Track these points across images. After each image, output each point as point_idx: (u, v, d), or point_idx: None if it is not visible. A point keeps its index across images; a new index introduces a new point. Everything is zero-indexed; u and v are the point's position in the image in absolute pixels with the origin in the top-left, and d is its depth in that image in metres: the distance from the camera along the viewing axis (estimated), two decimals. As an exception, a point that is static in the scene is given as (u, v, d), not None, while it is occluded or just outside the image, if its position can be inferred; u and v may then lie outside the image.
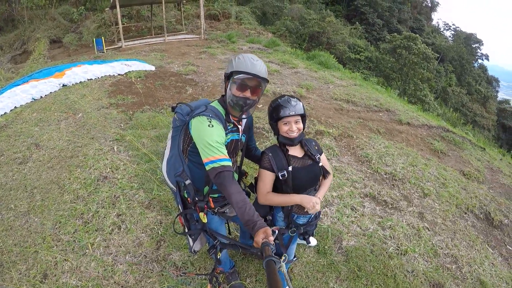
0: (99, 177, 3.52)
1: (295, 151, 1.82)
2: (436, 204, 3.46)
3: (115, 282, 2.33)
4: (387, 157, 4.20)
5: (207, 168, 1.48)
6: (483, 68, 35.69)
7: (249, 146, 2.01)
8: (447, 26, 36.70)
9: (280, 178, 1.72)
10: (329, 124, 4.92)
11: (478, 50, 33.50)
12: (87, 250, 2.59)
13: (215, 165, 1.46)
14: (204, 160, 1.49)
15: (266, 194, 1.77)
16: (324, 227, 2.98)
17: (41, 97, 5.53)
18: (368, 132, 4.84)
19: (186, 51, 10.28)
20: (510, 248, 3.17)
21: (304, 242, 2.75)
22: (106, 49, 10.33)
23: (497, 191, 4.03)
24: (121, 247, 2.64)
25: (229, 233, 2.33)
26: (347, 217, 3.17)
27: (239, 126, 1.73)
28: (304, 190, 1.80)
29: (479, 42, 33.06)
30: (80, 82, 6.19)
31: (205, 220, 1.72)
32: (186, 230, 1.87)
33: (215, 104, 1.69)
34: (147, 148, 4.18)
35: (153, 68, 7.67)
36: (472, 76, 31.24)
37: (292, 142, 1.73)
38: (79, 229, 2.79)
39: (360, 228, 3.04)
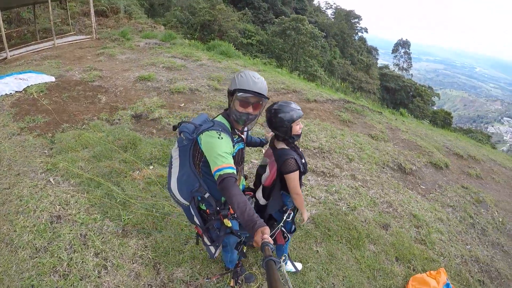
0: (52, 219, 2.97)
1: None
2: (361, 165, 4.32)
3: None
4: (311, 134, 4.84)
5: (215, 176, 1.54)
6: (363, 40, 39.10)
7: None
8: (328, 5, 39.40)
9: (302, 171, 2.00)
10: None
11: (358, 25, 36.11)
12: (83, 303, 2.28)
13: (221, 172, 1.53)
14: (213, 169, 1.55)
15: (299, 188, 2.01)
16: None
17: None
18: (283, 113, 5.37)
19: (82, 55, 8.79)
20: (423, 187, 4.28)
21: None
22: None
23: (400, 146, 5.23)
24: (119, 287, 2.43)
25: None
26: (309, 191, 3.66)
27: (243, 136, 1.86)
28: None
29: (358, 17, 35.51)
30: (6, 94, 4.69)
31: (230, 224, 1.83)
32: (207, 241, 1.91)
33: (221, 119, 1.77)
34: (89, 171, 3.68)
35: (53, 78, 6.34)
36: (354, 48, 34.01)
37: (298, 139, 2.04)
38: (60, 285, 2.39)
39: (315, 198, 3.58)
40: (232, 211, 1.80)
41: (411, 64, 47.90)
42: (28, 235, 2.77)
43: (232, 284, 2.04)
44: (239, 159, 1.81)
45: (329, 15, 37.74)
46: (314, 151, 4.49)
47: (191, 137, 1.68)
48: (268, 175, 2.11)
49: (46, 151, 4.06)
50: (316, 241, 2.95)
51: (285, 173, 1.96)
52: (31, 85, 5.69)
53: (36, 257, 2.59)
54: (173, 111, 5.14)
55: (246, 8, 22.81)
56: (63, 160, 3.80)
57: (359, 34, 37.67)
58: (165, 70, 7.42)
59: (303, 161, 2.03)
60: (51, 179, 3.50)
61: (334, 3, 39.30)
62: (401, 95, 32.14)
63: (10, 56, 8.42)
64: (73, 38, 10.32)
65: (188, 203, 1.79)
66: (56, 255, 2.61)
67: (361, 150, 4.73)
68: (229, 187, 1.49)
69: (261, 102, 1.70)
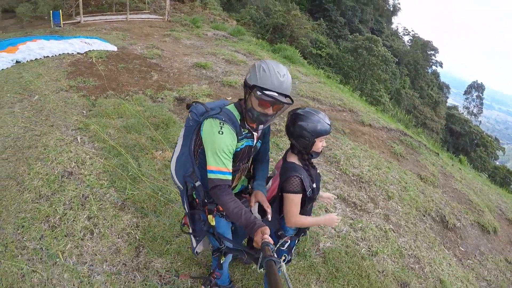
0: (63, 173, 3.16)
1: None
2: (399, 206, 3.78)
3: (93, 295, 2.15)
4: (354, 159, 4.42)
5: (208, 175, 1.50)
6: (436, 74, 37.50)
7: (258, 154, 1.90)
8: (406, 31, 38.21)
9: (308, 196, 1.70)
10: None
11: (433, 57, 35.08)
12: (57, 260, 2.32)
13: (214, 176, 1.49)
14: (208, 167, 1.51)
15: (297, 217, 1.72)
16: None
17: (-11, 74, 4.74)
18: (334, 132, 5.03)
19: (149, 32, 9.61)
20: (463, 249, 3.60)
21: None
22: (63, 24, 9.19)
23: (450, 195, 4.52)
24: (96, 255, 2.42)
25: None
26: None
27: (255, 133, 1.67)
28: (315, 200, 1.84)
29: (435, 50, 34.55)
30: (36, 59, 5.42)
31: (213, 223, 1.71)
32: (191, 231, 1.85)
33: (231, 108, 1.62)
34: (115, 139, 3.86)
35: (115, 48, 7.01)
36: (425, 81, 32.74)
37: (317, 156, 1.76)
38: (46, 235, 2.49)
39: (335, 230, 3.19)
40: (221, 208, 1.68)
41: (482, 110, 45.88)
42: (37, 181, 2.98)
43: None
44: (244, 156, 1.66)
45: (406, 42, 36.44)
46: (352, 177, 4.08)
47: (198, 119, 1.62)
48: (269, 189, 1.91)
49: (84, 112, 4.42)
50: (318, 279, 2.58)
51: (284, 191, 1.70)
52: (93, 50, 6.35)
53: (37, 203, 2.76)
54: None
55: (322, 19, 22.83)
56: (96, 123, 4.07)
57: (433, 67, 36.40)
58: (223, 62, 7.66)
59: (314, 185, 1.73)
60: (78, 138, 3.76)
61: (412, 30, 37.76)
62: (465, 141, 30.02)
63: (83, 21, 9.66)
64: (146, 16, 11.44)
65: (182, 187, 1.77)
66: (54, 206, 2.75)
67: (404, 190, 4.16)
68: (220, 196, 1.49)
69: (284, 105, 1.51)
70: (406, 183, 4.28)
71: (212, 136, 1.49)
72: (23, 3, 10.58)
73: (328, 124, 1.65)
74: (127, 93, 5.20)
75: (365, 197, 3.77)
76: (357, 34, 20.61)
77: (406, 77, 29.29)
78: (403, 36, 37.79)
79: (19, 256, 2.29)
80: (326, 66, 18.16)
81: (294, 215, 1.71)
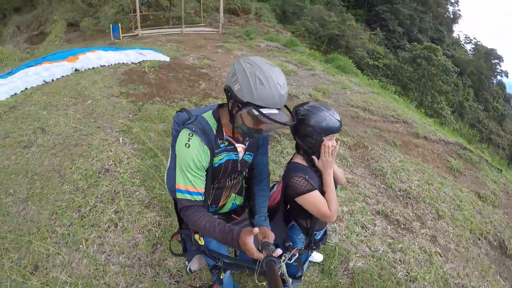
0: (101, 169, 3.43)
1: None
2: (450, 227, 3.27)
3: (105, 283, 2.23)
4: (402, 173, 4.01)
5: (177, 195, 1.34)
6: (502, 85, 34.70)
7: (252, 170, 1.63)
8: (468, 39, 35.32)
9: None
10: (344, 132, 4.74)
11: (498, 67, 32.51)
12: (80, 246, 2.49)
13: (181, 196, 1.31)
14: (176, 185, 1.33)
15: (330, 208, 1.49)
16: (331, 245, 2.82)
17: (52, 80, 5.50)
18: (383, 144, 4.65)
19: (203, 44, 10.21)
20: None
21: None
22: (122, 36, 10.28)
23: None
24: (115, 246, 2.54)
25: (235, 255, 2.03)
26: (357, 235, 3.00)
27: (240, 145, 1.43)
28: None
29: (499, 58, 31.98)
30: (93, 68, 6.15)
31: (202, 242, 1.54)
32: (181, 250, 1.71)
33: (207, 116, 1.39)
34: (154, 142, 4.09)
35: (167, 59, 7.58)
36: (490, 93, 30.36)
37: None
38: (75, 223, 2.71)
39: (369, 248, 2.87)
40: None
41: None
42: (77, 175, 3.29)
43: None
44: (227, 172, 1.43)
45: (468, 51, 33.42)
46: (398, 192, 3.69)
47: (179, 128, 1.41)
48: (272, 193, 1.75)
49: (130, 116, 4.82)
50: (342, 301, 2.31)
51: (293, 196, 1.52)
52: (146, 60, 6.98)
53: (73, 194, 3.04)
54: None
55: (378, 29, 22.00)
56: (138, 126, 4.40)
57: (498, 77, 33.19)
58: None
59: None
60: (120, 139, 4.09)
61: (474, 38, 34.40)
62: (535, 158, 25.76)
63: (141, 34, 10.71)
64: (201, 28, 12.27)
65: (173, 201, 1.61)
66: (86, 198, 2.99)
67: (458, 209, 3.59)
68: (189, 217, 1.31)
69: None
70: (461, 202, 3.71)
71: (180, 149, 1.31)
72: (87, 18, 12.11)
73: (338, 120, 1.48)
74: (173, 100, 5.50)
75: (410, 214, 3.35)
76: (415, 43, 19.35)
77: (470, 89, 26.99)
78: (465, 45, 34.84)
79: (48, 239, 2.53)
80: (384, 78, 17.31)
81: (325, 210, 1.48)
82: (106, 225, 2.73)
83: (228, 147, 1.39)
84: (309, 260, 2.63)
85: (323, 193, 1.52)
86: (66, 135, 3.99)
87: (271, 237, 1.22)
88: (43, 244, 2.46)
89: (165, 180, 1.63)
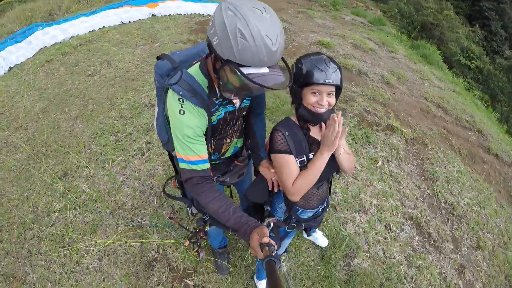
0: (147, 104, 3.71)
1: (315, 132, 1.40)
2: (485, 263, 2.73)
3: (115, 200, 2.51)
4: (455, 184, 3.44)
5: (179, 165, 1.23)
6: None
7: (251, 106, 1.51)
8: None
9: (298, 165, 1.35)
10: (406, 123, 4.23)
11: None
12: (107, 165, 2.81)
13: (186, 166, 1.20)
14: (176, 154, 1.23)
15: (295, 183, 1.34)
16: (343, 234, 2.63)
17: (129, 22, 6.02)
18: (446, 147, 4.02)
19: (284, 7, 9.91)
20: None
21: (312, 238, 2.52)
22: None
23: None
24: (135, 171, 2.79)
25: (231, 196, 2.08)
26: (376, 233, 2.72)
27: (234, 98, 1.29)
28: (317, 183, 1.42)
29: None
30: (169, 14, 6.52)
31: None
32: (181, 196, 1.69)
33: (195, 71, 1.19)
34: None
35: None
36: None
37: (317, 119, 1.32)
38: (109, 144, 3.05)
39: (384, 252, 2.59)
40: (211, 174, 1.42)
41: None
42: (125, 105, 3.64)
43: (186, 243, 1.82)
44: (226, 123, 1.35)
45: None
46: (443, 204, 3.20)
47: (162, 81, 1.26)
48: (266, 142, 1.60)
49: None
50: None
51: (269, 152, 1.40)
52: None
53: (116, 120, 3.41)
54: None
55: (477, 26, 18.54)
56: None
57: None
58: (350, 45, 7.21)
59: (311, 155, 1.34)
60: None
61: None
62: None
63: None
64: None
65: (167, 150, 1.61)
66: (126, 126, 3.31)
67: (503, 246, 2.90)
68: (197, 194, 1.21)
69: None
70: (510, 240, 3.05)
71: (173, 117, 1.17)
72: None
73: (334, 71, 1.23)
74: None
75: (447, 232, 2.88)
76: (515, 50, 15.92)
77: None
78: None
79: (83, 153, 2.91)
80: (473, 81, 14.82)
81: (289, 182, 1.33)
82: (134, 152, 3.00)
83: (224, 102, 1.27)
84: (313, 242, 2.53)
85: (308, 161, 1.34)
86: (127, 70, 4.40)
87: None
88: (77, 157, 2.85)
89: (156, 131, 1.55)
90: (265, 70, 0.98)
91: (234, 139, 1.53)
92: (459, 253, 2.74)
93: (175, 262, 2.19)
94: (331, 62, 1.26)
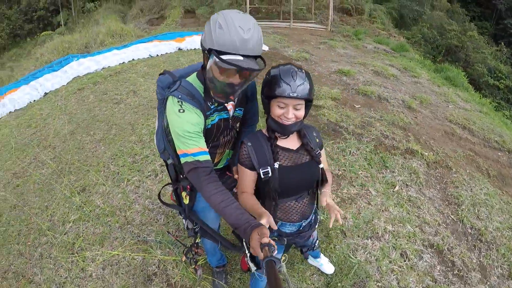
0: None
1: (289, 142, 1.44)
2: None
3: (125, 216, 2.68)
4: (482, 208, 3.18)
5: (181, 161, 1.32)
6: None
7: (244, 119, 1.64)
8: None
9: (262, 177, 1.37)
10: (428, 146, 4.07)
11: None
12: (122, 183, 3.04)
13: (188, 159, 1.28)
14: (178, 152, 1.33)
15: (241, 194, 1.43)
16: (352, 261, 2.52)
17: (157, 55, 6.66)
18: (473, 170, 3.77)
19: (307, 39, 10.32)
20: None
21: (317, 264, 2.44)
22: None
23: None
24: (147, 191, 2.97)
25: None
26: (389, 262, 2.57)
27: (229, 103, 1.44)
28: (295, 194, 1.47)
29: None
30: (195, 48, 7.10)
31: (186, 201, 1.59)
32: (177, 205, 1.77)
33: (192, 79, 1.37)
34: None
35: (266, 48, 7.91)
36: None
37: (285, 131, 1.35)
38: (126, 165, 3.30)
39: (398, 283, 2.42)
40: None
41: None
42: (145, 131, 3.94)
43: (183, 259, 1.89)
44: (220, 130, 1.47)
45: None
46: (469, 230, 2.96)
47: (163, 92, 1.43)
48: None
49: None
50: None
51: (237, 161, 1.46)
52: None
53: (135, 144, 3.68)
54: (341, 107, 4.94)
55: (503, 44, 17.64)
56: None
57: None
58: (371, 72, 7.29)
59: (276, 165, 1.35)
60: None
61: None
62: None
63: None
64: (309, 25, 12.41)
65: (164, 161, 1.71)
66: (144, 149, 3.56)
67: None
68: (202, 184, 1.27)
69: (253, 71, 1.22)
70: None
71: (173, 117, 1.30)
72: (203, 6, 13.60)
73: (300, 84, 1.24)
74: (256, 84, 5.81)
75: (474, 261, 2.64)
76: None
77: None
78: None
79: (102, 172, 3.19)
80: (503, 102, 13.90)
81: (238, 190, 1.44)
82: (149, 173, 3.21)
83: (218, 107, 1.40)
84: (318, 268, 2.44)
85: (273, 171, 1.36)
86: (150, 99, 4.81)
87: (272, 223, 1.23)
88: (96, 175, 3.14)
89: (155, 143, 1.68)
90: (239, 57, 1.14)
91: (227, 149, 1.63)
92: (488, 283, 2.49)
93: (174, 278, 2.24)
94: (298, 75, 1.26)
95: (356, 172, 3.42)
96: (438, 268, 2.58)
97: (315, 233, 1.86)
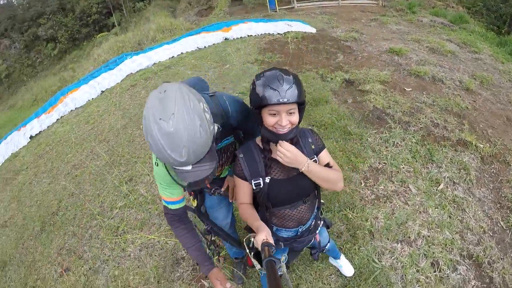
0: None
1: None
2: None
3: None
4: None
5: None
6: None
7: (246, 134, 1.69)
8: None
9: (254, 188, 1.40)
10: (484, 136, 3.62)
11: None
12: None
13: (163, 202, 1.51)
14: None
15: (240, 205, 1.49)
16: (376, 266, 2.45)
17: (204, 47, 6.97)
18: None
19: (357, 17, 9.71)
20: None
21: (337, 264, 2.46)
22: (278, 9, 11.19)
23: None
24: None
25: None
26: (417, 271, 2.44)
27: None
28: (287, 204, 1.50)
29: None
30: (241, 37, 7.23)
31: (194, 204, 1.81)
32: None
33: None
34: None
35: (314, 30, 7.70)
36: None
37: (278, 141, 1.32)
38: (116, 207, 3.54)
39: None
40: (208, 186, 1.70)
41: None
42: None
43: (207, 250, 2.12)
44: (223, 155, 1.60)
45: None
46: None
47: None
48: None
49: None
50: None
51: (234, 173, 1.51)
52: (292, 31, 7.30)
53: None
54: (390, 91, 4.62)
55: None
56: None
57: None
58: (426, 50, 6.64)
59: (267, 179, 1.39)
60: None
61: None
62: None
63: (297, 7, 11.28)
64: (360, 1, 11.61)
65: None
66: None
67: None
68: (172, 227, 1.54)
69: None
70: None
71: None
72: None
73: (288, 89, 1.20)
74: (301, 70, 5.59)
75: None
76: None
77: None
78: None
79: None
80: None
81: (238, 199, 1.48)
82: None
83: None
84: (338, 269, 2.44)
85: (265, 184, 1.40)
86: (194, 91, 5.17)
87: (270, 238, 1.27)
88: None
89: None
90: (188, 167, 1.08)
91: (226, 166, 1.73)
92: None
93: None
94: (284, 78, 1.23)
95: (398, 166, 3.26)
96: (473, 283, 2.40)
97: (323, 236, 1.89)
